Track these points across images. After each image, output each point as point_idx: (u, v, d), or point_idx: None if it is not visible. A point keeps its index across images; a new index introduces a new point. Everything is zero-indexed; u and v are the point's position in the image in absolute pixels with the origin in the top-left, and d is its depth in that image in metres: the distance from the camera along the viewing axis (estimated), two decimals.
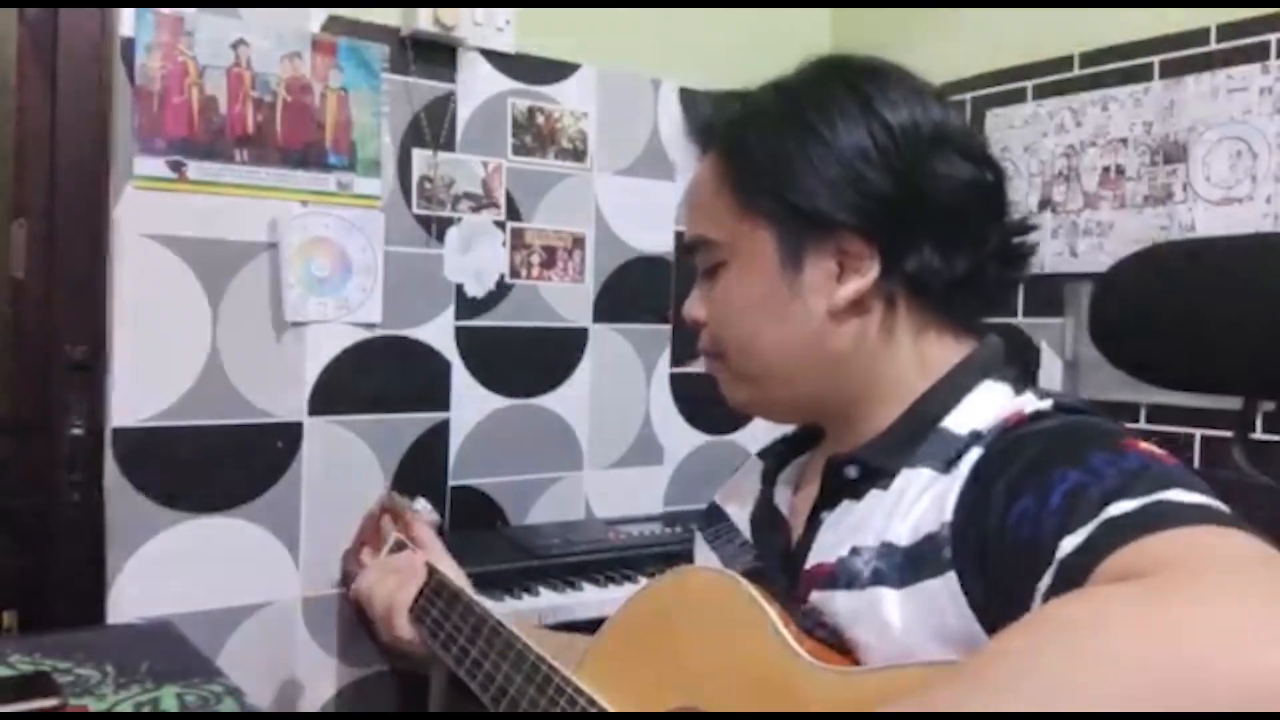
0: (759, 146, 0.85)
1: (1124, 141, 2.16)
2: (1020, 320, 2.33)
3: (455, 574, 1.12)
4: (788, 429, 1.02)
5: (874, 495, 0.81)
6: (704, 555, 1.00)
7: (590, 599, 2.04)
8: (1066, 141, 2.27)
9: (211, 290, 2.05)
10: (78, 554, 1.95)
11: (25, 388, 2.03)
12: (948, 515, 0.73)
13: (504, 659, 0.95)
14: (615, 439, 2.56)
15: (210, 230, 2.03)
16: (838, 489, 0.85)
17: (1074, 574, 0.60)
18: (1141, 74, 2.14)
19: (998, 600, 0.67)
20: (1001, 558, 0.68)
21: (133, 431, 1.98)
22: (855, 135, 0.81)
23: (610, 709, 0.86)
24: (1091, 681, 0.50)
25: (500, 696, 0.94)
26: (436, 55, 2.27)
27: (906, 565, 0.75)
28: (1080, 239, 2.23)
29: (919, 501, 0.77)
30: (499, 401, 2.40)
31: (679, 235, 2.53)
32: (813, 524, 0.86)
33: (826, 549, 0.82)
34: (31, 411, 1.99)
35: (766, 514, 0.95)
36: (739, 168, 0.86)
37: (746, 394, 0.91)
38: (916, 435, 0.81)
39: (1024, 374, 0.85)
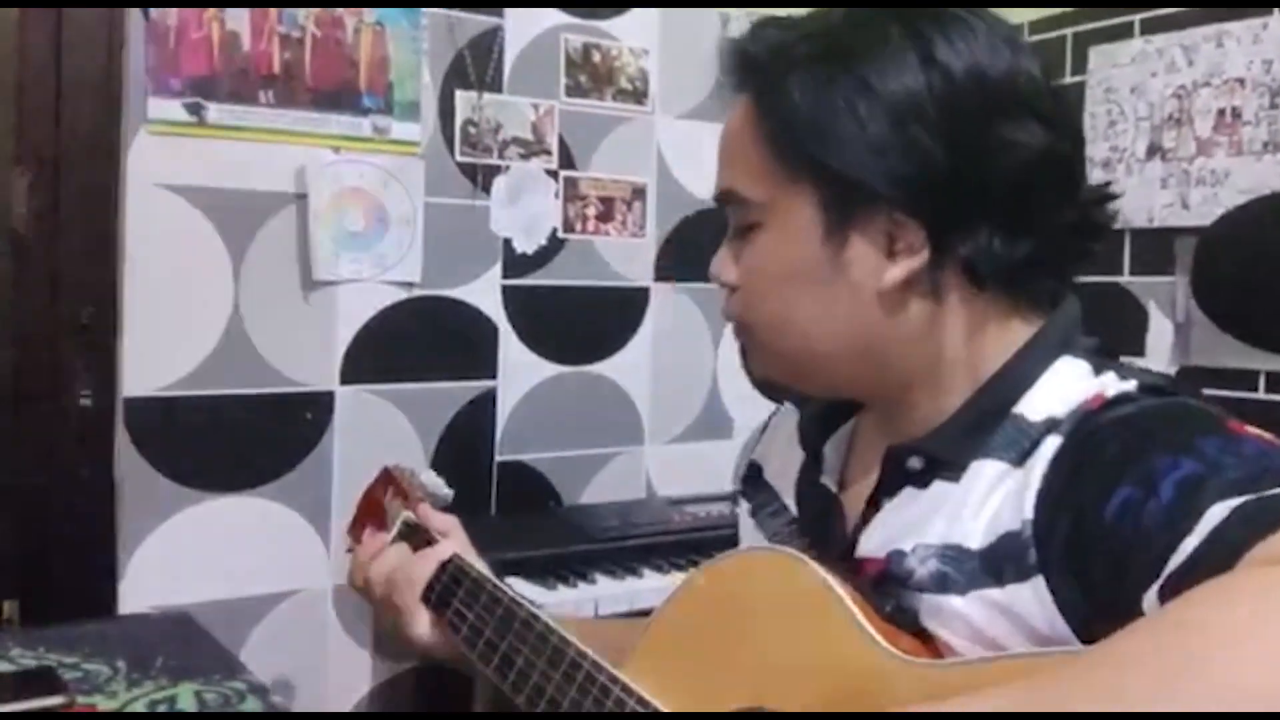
0: (800, 98, 0.79)
1: (1241, 82, 2.09)
2: (1126, 279, 2.27)
3: (480, 566, 1.09)
4: None
5: (940, 486, 0.80)
6: (750, 534, 0.99)
7: (652, 587, 1.99)
8: (1178, 82, 2.19)
9: (233, 246, 2.01)
10: (86, 537, 1.93)
11: (28, 353, 1.98)
12: (1028, 513, 0.72)
13: (538, 654, 0.92)
14: (679, 410, 2.52)
15: (232, 180, 2.01)
16: (899, 481, 0.83)
17: (1205, 571, 0.58)
18: (1260, 6, 2.05)
19: (1093, 599, 0.67)
20: (1100, 553, 0.66)
21: (147, 402, 1.95)
22: (911, 90, 0.76)
23: (663, 709, 0.83)
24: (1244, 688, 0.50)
25: (537, 696, 0.91)
26: None
27: (981, 569, 0.74)
28: (1193, 189, 2.15)
29: (991, 498, 0.75)
30: (551, 369, 2.37)
31: None
32: (871, 509, 0.85)
33: (883, 541, 0.82)
34: (35, 380, 1.96)
35: (815, 491, 0.93)
36: (776, 121, 0.81)
37: (776, 370, 0.89)
38: (985, 423, 0.78)
39: (1103, 344, 0.82)
